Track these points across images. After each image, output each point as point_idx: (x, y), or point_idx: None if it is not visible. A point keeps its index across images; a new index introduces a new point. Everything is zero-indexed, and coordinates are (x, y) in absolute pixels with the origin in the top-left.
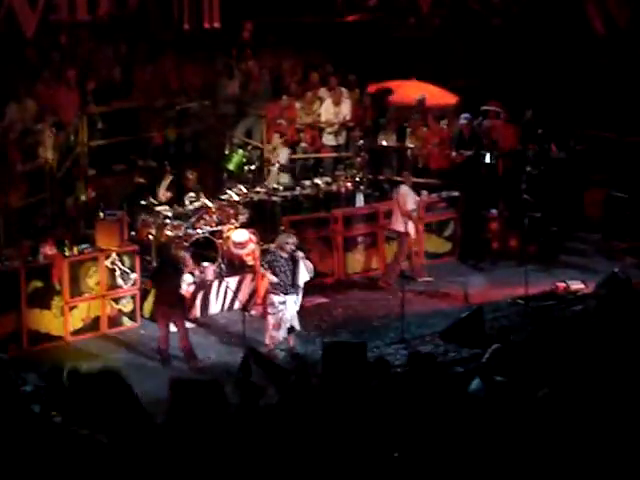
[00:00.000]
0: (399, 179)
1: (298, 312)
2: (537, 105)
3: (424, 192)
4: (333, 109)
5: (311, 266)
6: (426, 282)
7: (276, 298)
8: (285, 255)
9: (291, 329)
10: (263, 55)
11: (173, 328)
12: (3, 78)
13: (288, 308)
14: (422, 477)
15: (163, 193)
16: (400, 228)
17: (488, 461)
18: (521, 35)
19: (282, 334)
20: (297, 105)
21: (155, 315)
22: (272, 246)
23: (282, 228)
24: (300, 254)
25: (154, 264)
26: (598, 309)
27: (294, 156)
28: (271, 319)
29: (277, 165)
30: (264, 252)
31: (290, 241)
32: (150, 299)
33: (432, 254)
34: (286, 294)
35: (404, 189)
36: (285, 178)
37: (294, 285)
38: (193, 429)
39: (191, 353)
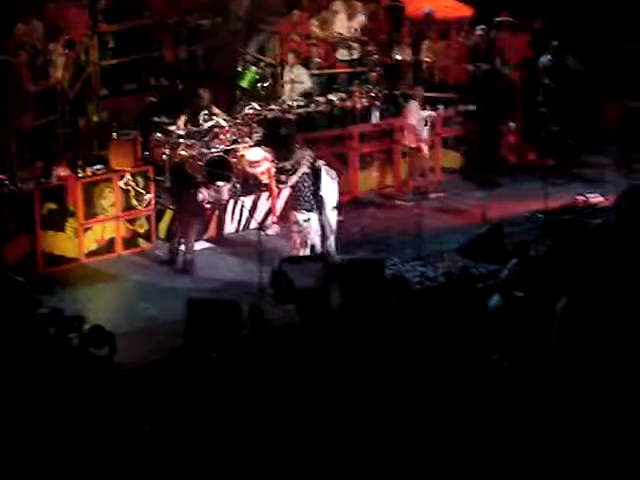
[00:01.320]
0: (410, 93)
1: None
2: (552, 15)
3: (440, 106)
4: (346, 23)
5: (334, 173)
6: (439, 198)
7: (300, 216)
8: (304, 170)
9: (312, 248)
10: None
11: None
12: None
13: (312, 225)
14: (441, 397)
15: (182, 123)
16: (411, 143)
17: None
18: None
19: (307, 252)
20: (311, 20)
21: (179, 228)
22: (288, 164)
23: (297, 145)
24: (321, 162)
25: (168, 184)
26: (618, 221)
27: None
28: (296, 237)
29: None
30: (280, 171)
31: (306, 154)
32: (166, 219)
33: (448, 169)
34: (309, 211)
35: (411, 104)
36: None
37: (318, 199)
38: (209, 349)
39: (189, 264)
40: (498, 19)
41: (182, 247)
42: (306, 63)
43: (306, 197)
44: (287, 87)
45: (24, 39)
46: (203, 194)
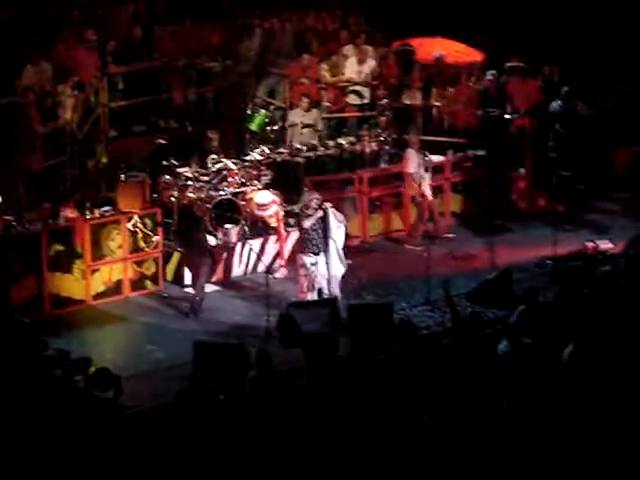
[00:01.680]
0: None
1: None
2: (562, 61)
3: (450, 151)
4: (357, 67)
5: (342, 216)
6: (449, 239)
7: (307, 259)
8: (320, 214)
9: (319, 292)
10: (286, 12)
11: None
12: (19, 40)
13: (319, 269)
14: (448, 440)
15: (194, 166)
16: (411, 191)
17: (514, 423)
18: None
19: (314, 296)
20: (321, 64)
21: (188, 269)
22: (297, 207)
23: (306, 188)
24: (328, 204)
25: (176, 226)
26: (627, 268)
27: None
28: (303, 280)
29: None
30: (288, 214)
31: (314, 197)
32: (173, 261)
33: (458, 214)
34: (317, 254)
35: (408, 152)
36: (313, 138)
37: (326, 243)
38: (216, 392)
39: (198, 306)
40: (508, 64)
41: (191, 290)
42: (316, 107)
43: (314, 240)
44: (297, 130)
45: (33, 80)
46: (211, 236)
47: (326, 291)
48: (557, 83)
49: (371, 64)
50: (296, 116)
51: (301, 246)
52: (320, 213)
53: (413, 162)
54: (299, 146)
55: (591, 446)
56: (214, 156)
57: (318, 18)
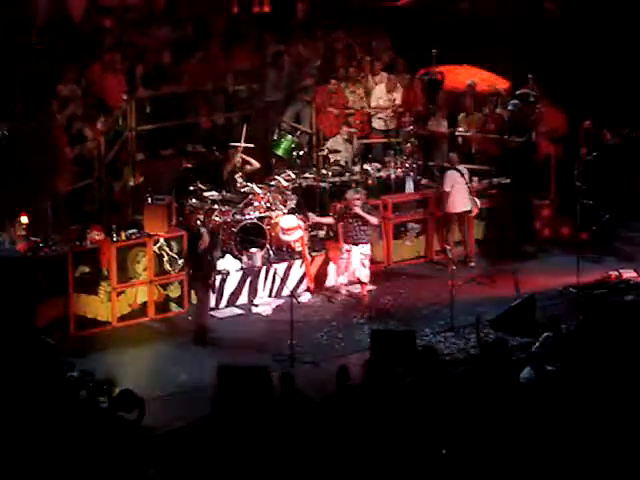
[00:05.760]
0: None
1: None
2: (589, 90)
3: (475, 179)
4: (386, 95)
5: (375, 220)
6: (470, 267)
7: (345, 246)
8: (355, 210)
9: (358, 280)
10: (314, 38)
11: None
12: (51, 66)
13: (353, 258)
14: (472, 469)
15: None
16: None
17: (538, 452)
18: (573, 19)
19: (343, 280)
20: (347, 90)
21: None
22: (340, 204)
23: (353, 185)
24: (368, 206)
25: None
26: None
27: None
28: (339, 263)
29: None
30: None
31: (358, 196)
32: None
33: (482, 241)
34: (352, 244)
35: (447, 172)
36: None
37: (363, 236)
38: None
39: (203, 332)
40: (519, 91)
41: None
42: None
43: (352, 231)
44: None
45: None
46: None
47: (364, 280)
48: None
49: (400, 92)
50: (338, 144)
51: (342, 234)
52: (357, 210)
53: (448, 180)
54: (324, 171)
55: (612, 472)
56: (240, 180)
57: (346, 44)
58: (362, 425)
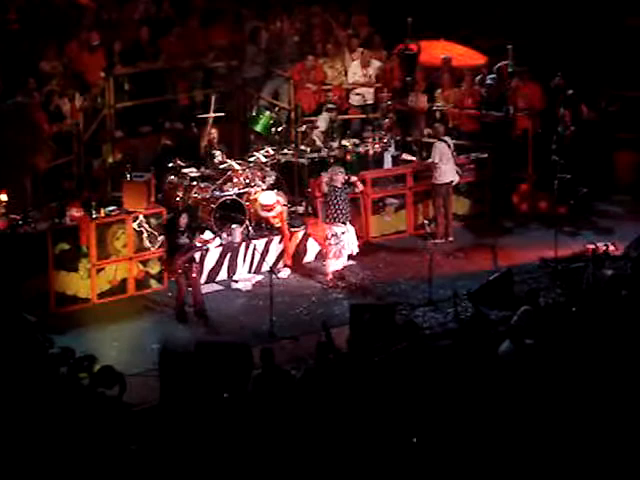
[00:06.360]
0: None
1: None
2: (567, 65)
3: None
4: (362, 70)
5: (361, 187)
6: (449, 241)
7: (338, 229)
8: (339, 185)
9: (351, 256)
10: (292, 13)
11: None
12: (30, 45)
13: (350, 239)
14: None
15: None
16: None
17: (517, 425)
18: None
19: (342, 262)
20: (325, 66)
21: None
22: (324, 180)
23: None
24: (354, 178)
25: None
26: (630, 271)
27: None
28: (333, 249)
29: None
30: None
31: (339, 171)
32: None
33: (461, 216)
34: (345, 223)
35: (435, 144)
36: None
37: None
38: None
39: (202, 310)
40: (498, 65)
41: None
42: (320, 108)
43: (343, 210)
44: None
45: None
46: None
47: (357, 250)
48: (562, 87)
49: (375, 66)
50: (324, 121)
51: (329, 217)
52: (336, 184)
53: (436, 151)
54: (303, 147)
55: (591, 447)
56: (218, 152)
57: (324, 20)
58: (341, 398)
